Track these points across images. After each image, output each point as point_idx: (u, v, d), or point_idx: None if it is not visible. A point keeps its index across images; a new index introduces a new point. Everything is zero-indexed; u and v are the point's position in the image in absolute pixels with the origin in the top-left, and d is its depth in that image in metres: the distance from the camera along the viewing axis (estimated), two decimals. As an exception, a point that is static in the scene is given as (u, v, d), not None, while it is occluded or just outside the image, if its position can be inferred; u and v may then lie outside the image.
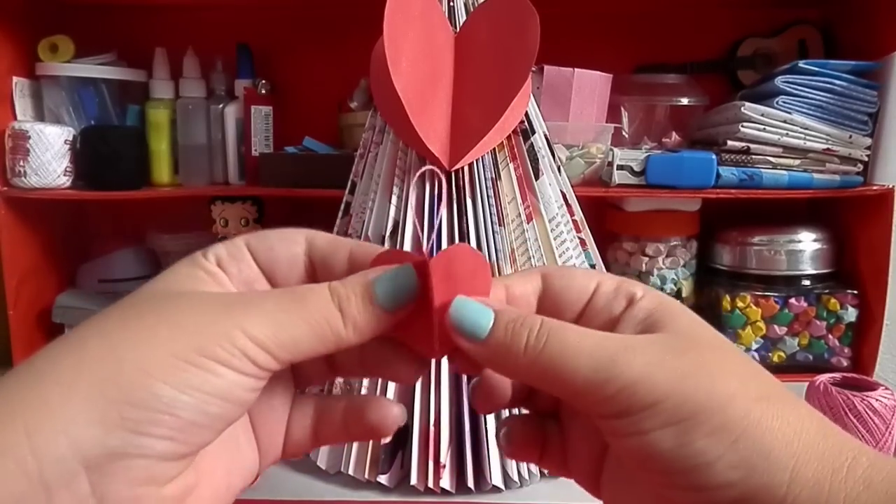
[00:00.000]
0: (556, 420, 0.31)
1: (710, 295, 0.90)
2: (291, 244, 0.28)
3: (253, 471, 0.29)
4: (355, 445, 0.57)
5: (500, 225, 0.58)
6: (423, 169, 0.56)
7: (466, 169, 0.57)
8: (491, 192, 0.58)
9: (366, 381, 0.56)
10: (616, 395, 0.24)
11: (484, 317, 0.26)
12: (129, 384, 0.21)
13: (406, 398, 0.57)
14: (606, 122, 0.85)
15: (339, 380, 0.29)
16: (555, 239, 0.61)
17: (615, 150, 0.83)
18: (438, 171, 0.55)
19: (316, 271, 0.29)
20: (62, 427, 0.20)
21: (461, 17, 0.59)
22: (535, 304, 0.29)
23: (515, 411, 0.32)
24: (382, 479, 0.57)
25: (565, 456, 0.30)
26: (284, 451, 0.29)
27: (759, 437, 0.23)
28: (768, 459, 0.23)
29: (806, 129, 0.79)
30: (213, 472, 0.26)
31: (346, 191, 0.64)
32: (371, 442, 0.58)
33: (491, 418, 0.56)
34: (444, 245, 0.57)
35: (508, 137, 0.59)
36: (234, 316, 0.23)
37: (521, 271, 0.31)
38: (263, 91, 0.92)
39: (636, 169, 0.82)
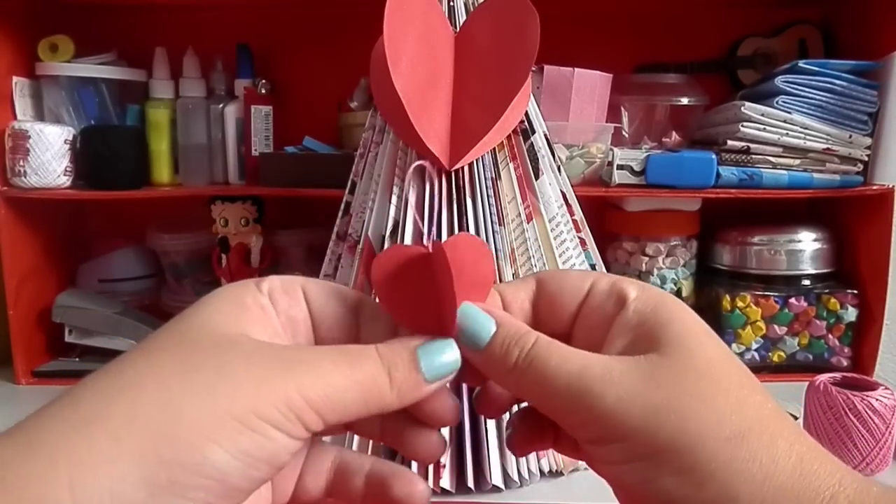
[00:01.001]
0: None
1: (710, 295, 0.90)
2: (345, 299, 0.29)
3: None
4: (356, 443, 0.57)
5: (500, 225, 0.58)
6: (416, 164, 0.56)
7: (466, 169, 0.57)
8: (491, 192, 0.58)
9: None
10: (587, 425, 0.24)
11: (485, 328, 0.27)
12: (185, 444, 0.20)
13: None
14: (606, 121, 0.85)
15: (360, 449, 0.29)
16: (555, 239, 0.61)
17: (615, 149, 0.83)
18: (430, 166, 0.55)
19: (360, 332, 0.29)
20: (108, 486, 0.19)
21: (461, 17, 0.59)
22: (529, 308, 0.29)
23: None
24: (382, 478, 0.57)
25: (576, 442, 0.30)
26: (294, 497, 0.29)
27: (726, 481, 0.22)
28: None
29: (806, 128, 0.79)
30: None
31: (346, 190, 0.64)
32: (371, 442, 0.58)
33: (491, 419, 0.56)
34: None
35: (508, 137, 0.59)
36: (293, 377, 0.23)
37: (518, 279, 0.31)
38: (263, 91, 0.92)
39: (636, 169, 0.82)
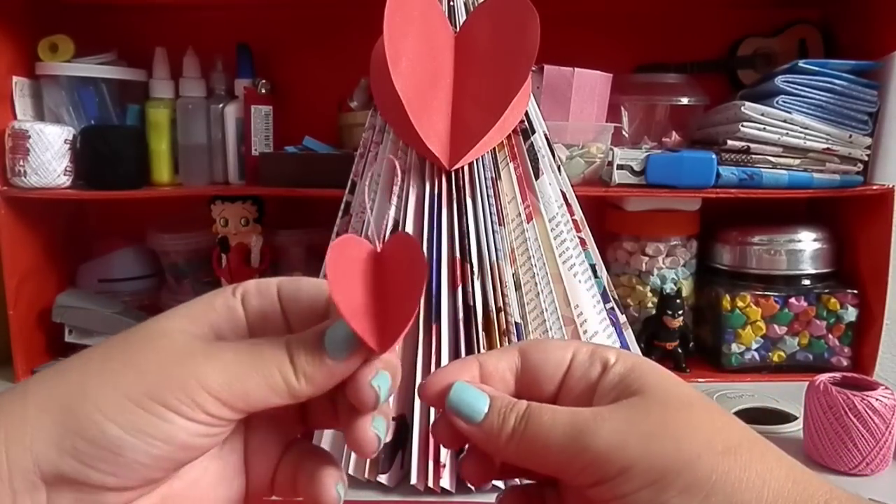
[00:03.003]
0: (554, 488, 0.31)
1: (710, 294, 0.90)
2: (318, 290, 0.30)
3: (239, 497, 0.30)
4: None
5: (500, 224, 0.58)
6: (395, 161, 0.56)
7: (466, 168, 0.57)
8: (491, 192, 0.58)
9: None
10: (590, 465, 0.26)
11: (481, 402, 0.28)
12: (86, 419, 0.24)
13: (406, 398, 0.57)
14: (606, 121, 0.85)
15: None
16: (555, 238, 0.61)
17: (615, 149, 0.83)
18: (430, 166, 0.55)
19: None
20: (29, 444, 0.24)
21: (461, 17, 0.59)
22: (511, 380, 0.30)
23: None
24: (382, 478, 0.57)
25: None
26: (273, 489, 0.30)
27: (729, 490, 0.24)
28: None
29: (806, 128, 0.79)
30: (197, 483, 0.28)
31: (346, 190, 0.64)
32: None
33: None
34: (444, 244, 0.57)
35: (508, 137, 0.59)
36: (193, 365, 0.25)
37: (499, 349, 0.32)
38: (263, 91, 0.92)
39: (636, 168, 0.82)
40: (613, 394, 0.28)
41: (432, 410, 0.56)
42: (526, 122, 0.60)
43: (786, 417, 0.71)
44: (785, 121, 0.79)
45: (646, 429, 0.25)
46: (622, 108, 0.92)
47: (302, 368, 0.26)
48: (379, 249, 0.30)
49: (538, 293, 0.60)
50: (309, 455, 0.30)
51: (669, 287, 0.87)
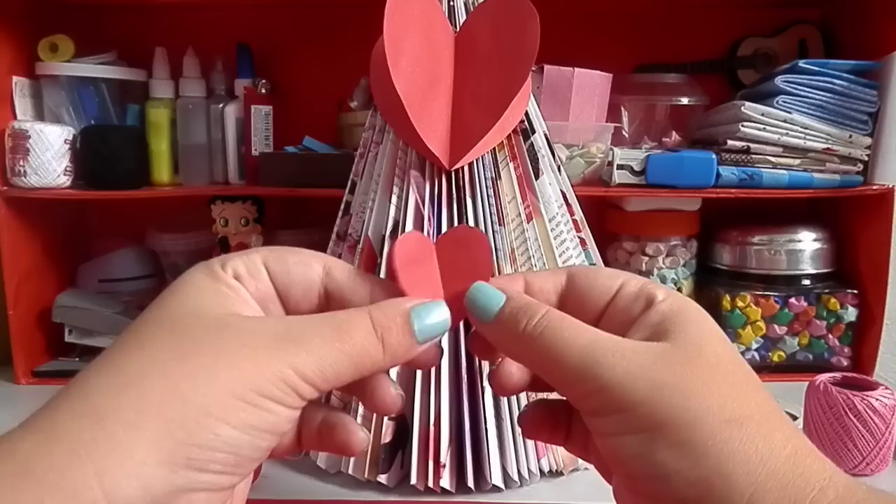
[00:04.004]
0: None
1: (710, 294, 0.90)
2: (308, 269, 0.29)
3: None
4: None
5: (500, 224, 0.58)
6: (412, 172, 0.56)
7: (466, 168, 0.57)
8: (491, 192, 0.58)
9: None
10: (593, 394, 0.25)
11: (494, 299, 0.28)
12: (195, 426, 0.22)
13: (406, 398, 0.57)
14: (606, 121, 0.85)
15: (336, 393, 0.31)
16: (555, 238, 0.61)
17: (615, 149, 0.83)
18: (419, 174, 0.55)
19: (330, 300, 0.30)
20: (133, 469, 0.21)
21: (461, 17, 0.59)
22: (555, 300, 0.30)
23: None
24: (382, 478, 0.57)
25: (587, 445, 0.31)
26: (301, 445, 0.30)
27: (721, 460, 0.23)
28: (727, 482, 0.23)
29: (806, 128, 0.79)
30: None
31: (346, 190, 0.64)
32: (371, 441, 0.58)
33: (491, 418, 0.56)
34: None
35: (508, 137, 0.59)
36: (285, 353, 0.25)
37: (549, 270, 0.32)
38: (263, 91, 0.92)
39: (636, 168, 0.82)
40: (648, 331, 0.27)
41: (432, 411, 0.56)
42: (526, 122, 0.60)
43: (786, 417, 0.71)
44: (785, 121, 0.79)
45: (660, 377, 0.24)
46: (622, 108, 0.92)
47: (392, 349, 0.27)
48: (435, 241, 0.31)
49: (538, 293, 0.60)
50: (324, 407, 0.30)
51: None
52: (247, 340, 0.25)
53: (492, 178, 0.58)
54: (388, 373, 0.30)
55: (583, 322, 0.28)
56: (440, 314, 0.28)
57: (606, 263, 0.85)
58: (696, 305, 0.28)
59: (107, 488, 0.20)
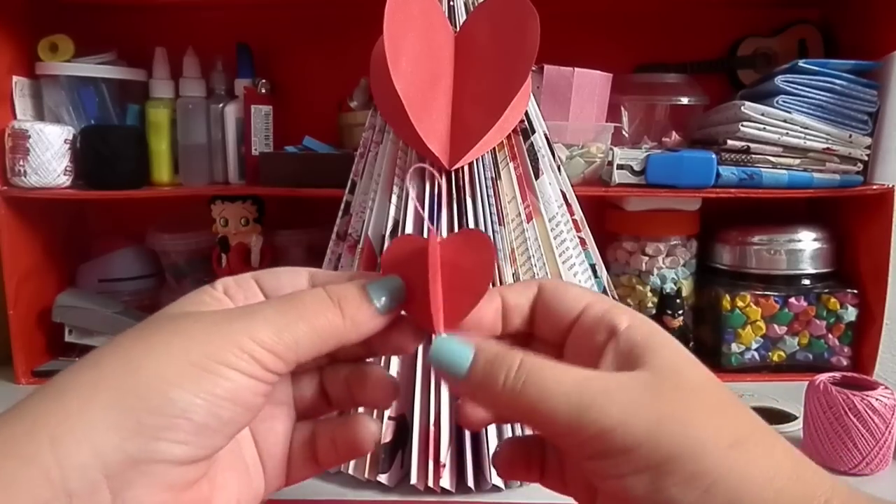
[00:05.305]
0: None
1: (710, 294, 0.90)
2: (295, 276, 0.30)
3: (259, 493, 0.30)
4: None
5: (500, 224, 0.58)
6: (415, 166, 0.56)
7: (466, 168, 0.57)
8: (491, 192, 0.58)
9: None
10: (593, 439, 0.24)
11: (463, 356, 0.27)
12: (146, 391, 0.23)
13: (406, 398, 0.57)
14: (606, 121, 0.85)
15: (334, 414, 0.31)
16: (555, 238, 0.61)
17: (615, 149, 0.83)
18: (431, 168, 0.55)
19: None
20: (83, 435, 0.21)
21: (461, 17, 0.59)
22: (527, 313, 0.30)
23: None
24: (382, 478, 0.57)
25: (564, 477, 0.31)
26: (288, 475, 0.31)
27: (731, 486, 0.23)
28: None
29: (806, 128, 0.79)
30: (225, 488, 0.28)
31: (346, 190, 0.64)
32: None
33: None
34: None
35: (508, 137, 0.59)
36: (240, 324, 0.25)
37: (522, 283, 0.32)
38: (263, 91, 0.92)
39: (636, 168, 0.82)
40: (621, 359, 0.27)
41: (432, 411, 0.56)
42: (526, 122, 0.60)
43: (786, 417, 0.71)
44: (785, 121, 0.79)
45: (655, 411, 0.24)
46: (622, 108, 0.92)
47: (350, 315, 0.27)
48: (439, 241, 0.31)
49: (538, 293, 0.60)
50: (335, 419, 0.31)
51: (669, 287, 0.87)
52: (204, 318, 0.26)
53: (492, 177, 0.58)
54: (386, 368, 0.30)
55: (553, 341, 0.28)
56: (393, 282, 0.29)
57: (606, 263, 0.85)
58: (662, 330, 0.28)
59: (59, 455, 0.21)
